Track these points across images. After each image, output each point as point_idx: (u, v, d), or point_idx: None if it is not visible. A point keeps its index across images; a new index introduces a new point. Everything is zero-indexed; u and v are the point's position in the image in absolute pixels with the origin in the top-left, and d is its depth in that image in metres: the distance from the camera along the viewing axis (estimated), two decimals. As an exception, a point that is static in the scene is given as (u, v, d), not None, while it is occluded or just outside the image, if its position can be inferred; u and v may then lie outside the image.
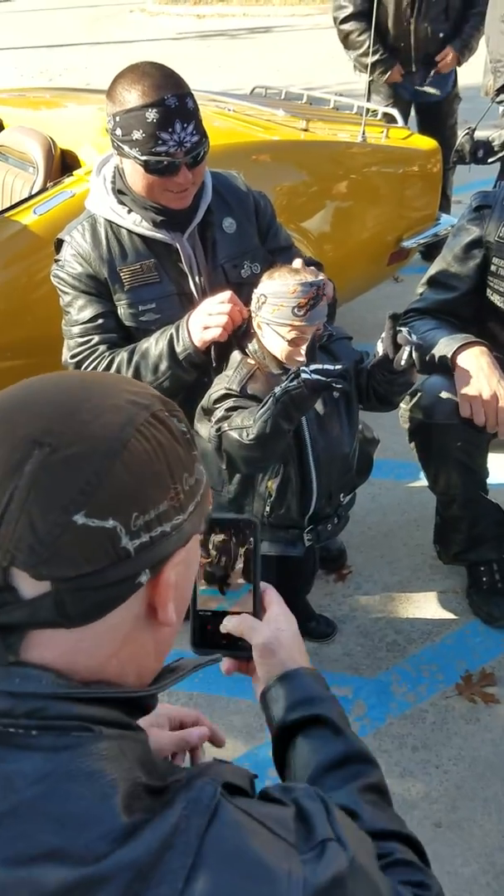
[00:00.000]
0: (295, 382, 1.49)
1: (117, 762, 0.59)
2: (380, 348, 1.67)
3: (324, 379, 1.47)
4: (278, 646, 0.88)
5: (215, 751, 1.96)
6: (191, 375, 1.82)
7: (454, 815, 1.77)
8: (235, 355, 1.73)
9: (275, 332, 1.64)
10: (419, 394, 2.00)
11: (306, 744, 0.85)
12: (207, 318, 1.74)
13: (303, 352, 1.61)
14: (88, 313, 1.85)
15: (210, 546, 0.91)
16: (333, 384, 1.48)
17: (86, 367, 1.84)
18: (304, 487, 1.77)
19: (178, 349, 1.78)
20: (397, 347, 1.63)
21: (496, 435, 1.91)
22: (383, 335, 1.65)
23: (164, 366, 1.80)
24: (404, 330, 1.62)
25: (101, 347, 1.85)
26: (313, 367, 1.48)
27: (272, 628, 0.89)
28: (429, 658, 2.16)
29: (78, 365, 1.86)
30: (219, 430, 1.65)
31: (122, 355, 1.83)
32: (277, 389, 1.52)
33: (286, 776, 0.87)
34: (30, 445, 0.61)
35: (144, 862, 0.54)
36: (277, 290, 1.61)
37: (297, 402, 1.51)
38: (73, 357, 1.86)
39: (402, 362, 1.62)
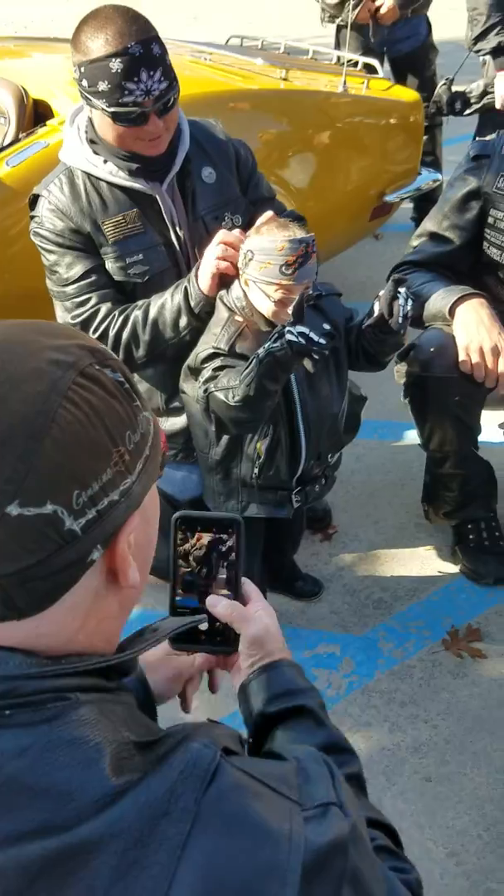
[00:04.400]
0: (278, 344, 1.44)
1: (99, 726, 0.57)
2: (376, 307, 1.62)
3: (307, 345, 1.42)
4: (269, 638, 0.87)
5: (201, 710, 1.95)
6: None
7: (444, 769, 1.78)
8: (222, 312, 1.68)
9: (261, 291, 1.58)
10: (415, 347, 1.96)
11: (287, 734, 0.83)
12: (226, 250, 1.67)
13: (290, 311, 1.56)
14: (79, 270, 1.78)
15: (190, 555, 0.88)
16: (317, 351, 1.44)
17: (94, 330, 1.79)
18: (294, 448, 1.73)
19: (193, 303, 1.74)
20: (392, 310, 1.60)
21: (493, 389, 1.88)
22: (381, 294, 1.60)
23: (183, 321, 1.76)
24: (402, 294, 1.58)
25: (103, 307, 1.79)
26: (299, 329, 1.43)
27: (261, 621, 0.87)
28: (415, 615, 2.16)
29: (83, 327, 1.79)
30: (206, 390, 1.61)
31: (137, 314, 1.78)
32: (261, 350, 1.47)
33: None
34: None
35: (138, 828, 0.52)
36: (265, 247, 1.54)
37: (282, 364, 1.47)
38: (74, 319, 1.80)
39: (396, 324, 1.59)
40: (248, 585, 0.90)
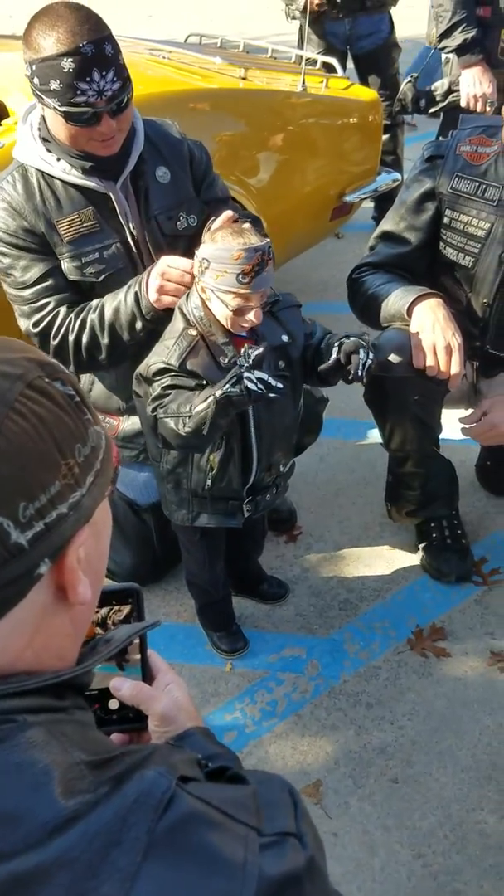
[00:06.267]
0: (237, 389, 1.45)
1: (48, 748, 0.55)
2: (334, 353, 1.64)
3: (265, 392, 1.45)
4: (178, 712, 0.85)
5: None
6: (164, 325, 1.75)
7: (410, 770, 1.78)
8: (178, 323, 1.66)
9: (218, 300, 1.57)
10: (374, 347, 1.96)
11: None
12: (166, 283, 1.69)
13: (249, 317, 1.55)
14: (35, 273, 1.76)
15: (109, 622, 0.87)
16: (274, 397, 1.48)
17: (54, 336, 1.78)
18: (246, 459, 1.72)
19: (145, 311, 1.74)
20: (349, 360, 1.62)
21: (449, 389, 1.89)
22: (344, 342, 1.64)
23: (139, 325, 1.76)
24: (363, 350, 1.61)
25: (62, 310, 1.78)
26: (258, 374, 1.44)
27: (169, 696, 0.85)
28: (380, 615, 2.17)
29: (44, 335, 1.79)
30: (154, 410, 1.59)
31: (93, 318, 1.77)
32: (218, 391, 1.47)
33: None
34: None
35: (87, 858, 0.51)
36: (220, 256, 1.52)
37: (237, 405, 1.49)
38: (35, 326, 1.79)
39: (355, 369, 1.62)
40: (155, 658, 0.89)
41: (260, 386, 1.43)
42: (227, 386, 1.45)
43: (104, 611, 0.86)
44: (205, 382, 1.56)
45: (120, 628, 0.75)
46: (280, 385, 1.45)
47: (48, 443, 0.59)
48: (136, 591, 0.88)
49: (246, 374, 1.44)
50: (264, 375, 1.44)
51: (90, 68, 1.55)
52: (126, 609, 0.86)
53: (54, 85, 1.56)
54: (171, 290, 1.69)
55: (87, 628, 0.70)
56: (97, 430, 0.66)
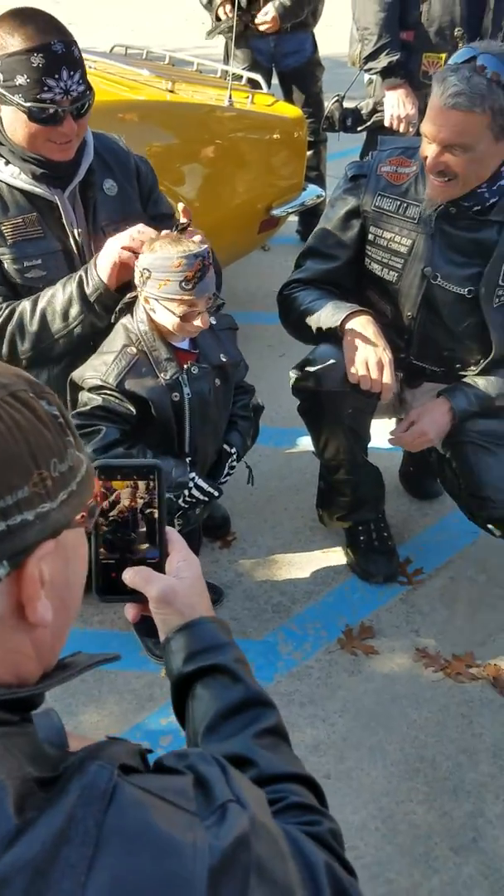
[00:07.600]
0: (177, 501, 1.67)
1: (3, 762, 0.56)
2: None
3: (198, 499, 1.72)
4: (173, 596, 0.87)
5: (107, 722, 1.93)
6: (103, 320, 1.76)
7: (342, 766, 1.84)
8: (118, 340, 1.68)
9: (164, 308, 1.60)
10: (309, 362, 2.03)
11: (205, 692, 0.85)
12: (122, 249, 1.67)
13: (196, 323, 1.59)
14: None
15: (110, 511, 0.87)
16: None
17: None
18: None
19: (89, 290, 1.72)
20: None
21: (380, 399, 1.97)
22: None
23: (75, 310, 1.73)
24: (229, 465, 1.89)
25: None
26: (199, 482, 1.71)
27: (167, 579, 0.87)
28: (312, 616, 2.23)
29: None
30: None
31: (24, 304, 1.75)
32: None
33: (186, 726, 0.87)
34: None
35: (41, 859, 0.52)
36: (161, 265, 1.55)
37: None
38: None
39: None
40: (172, 534, 0.90)
41: (201, 495, 1.69)
42: (171, 492, 1.62)
43: (109, 500, 0.86)
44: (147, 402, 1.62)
45: (78, 655, 0.75)
46: (214, 494, 1.72)
47: (21, 448, 0.60)
48: (157, 468, 0.87)
49: (194, 484, 1.67)
50: (203, 485, 1.68)
51: (59, 66, 1.57)
52: (125, 491, 0.86)
53: (21, 80, 1.57)
54: (134, 245, 1.66)
55: (54, 659, 0.70)
56: (79, 455, 0.67)
